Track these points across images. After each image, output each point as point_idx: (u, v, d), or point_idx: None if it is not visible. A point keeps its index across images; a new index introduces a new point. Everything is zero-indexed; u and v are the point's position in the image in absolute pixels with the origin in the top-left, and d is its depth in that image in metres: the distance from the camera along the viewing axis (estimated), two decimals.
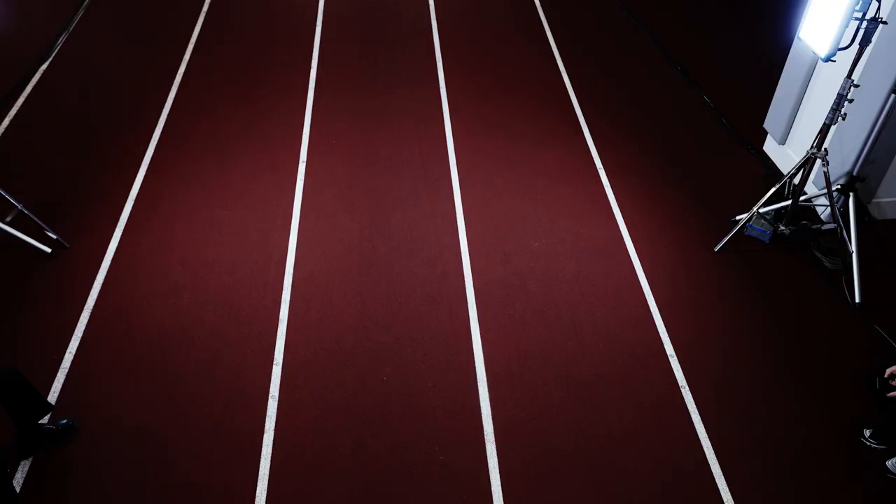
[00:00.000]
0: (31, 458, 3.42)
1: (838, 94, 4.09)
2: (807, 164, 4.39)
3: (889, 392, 3.31)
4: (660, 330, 4.16)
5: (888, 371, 3.32)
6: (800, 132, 5.18)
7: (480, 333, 4.10)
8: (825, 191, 4.38)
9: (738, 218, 4.84)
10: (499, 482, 3.41)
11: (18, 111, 5.74)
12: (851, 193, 4.50)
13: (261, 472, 3.42)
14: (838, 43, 3.77)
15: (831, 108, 4.14)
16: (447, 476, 3.43)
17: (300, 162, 5.31)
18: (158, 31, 6.84)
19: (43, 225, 4.46)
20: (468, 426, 3.64)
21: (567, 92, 6.18)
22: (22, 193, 4.61)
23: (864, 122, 4.40)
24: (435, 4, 7.40)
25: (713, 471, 3.49)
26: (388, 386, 3.82)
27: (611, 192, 5.13)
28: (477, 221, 4.84)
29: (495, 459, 3.51)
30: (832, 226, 4.56)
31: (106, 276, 4.37)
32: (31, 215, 4.42)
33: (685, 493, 3.40)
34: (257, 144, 5.47)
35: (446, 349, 4.01)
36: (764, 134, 5.59)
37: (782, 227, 4.67)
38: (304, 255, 4.55)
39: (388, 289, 4.35)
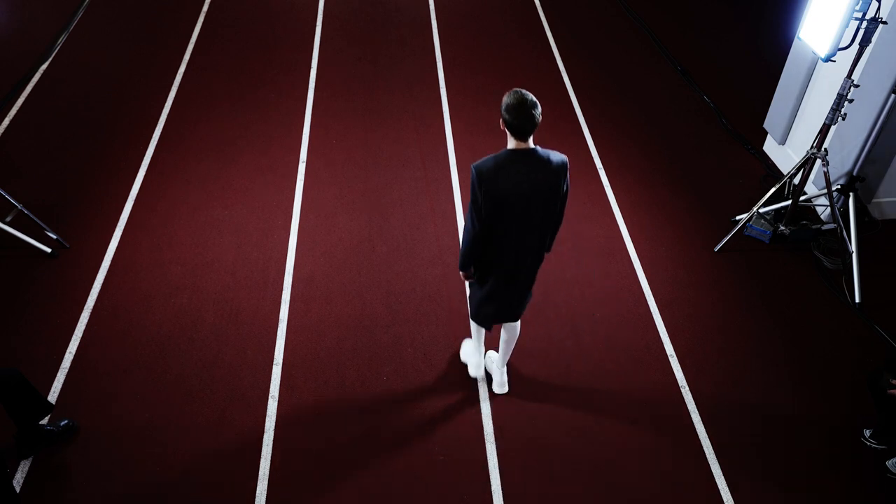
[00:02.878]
0: (31, 458, 3.42)
1: (838, 94, 4.09)
2: (807, 164, 4.40)
3: (889, 390, 3.31)
4: (660, 330, 4.16)
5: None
6: (800, 132, 5.18)
7: None
8: (825, 191, 4.39)
9: (738, 218, 4.84)
10: (499, 482, 3.41)
11: (18, 111, 5.74)
12: (851, 193, 4.50)
13: (261, 472, 3.42)
14: (838, 43, 3.78)
15: (831, 108, 4.15)
16: (447, 476, 3.43)
17: (300, 162, 5.31)
18: (158, 31, 6.84)
19: (43, 225, 4.46)
20: (468, 426, 3.64)
21: (567, 92, 6.19)
22: (22, 193, 4.62)
23: (864, 122, 4.40)
24: (435, 4, 7.40)
25: (713, 471, 3.49)
26: (388, 386, 3.82)
27: (611, 192, 5.13)
28: None
29: (495, 459, 3.51)
30: (832, 226, 4.56)
31: (106, 276, 4.37)
32: (31, 215, 4.42)
33: (685, 494, 3.40)
34: (257, 144, 5.47)
35: (446, 349, 4.01)
36: (764, 134, 5.59)
37: (782, 227, 4.67)
38: (304, 255, 4.55)
39: (388, 289, 4.35)
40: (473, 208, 3.00)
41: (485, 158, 2.95)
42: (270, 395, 3.76)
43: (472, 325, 3.66)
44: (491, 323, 3.51)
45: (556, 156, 2.99)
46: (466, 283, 3.33)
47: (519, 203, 2.97)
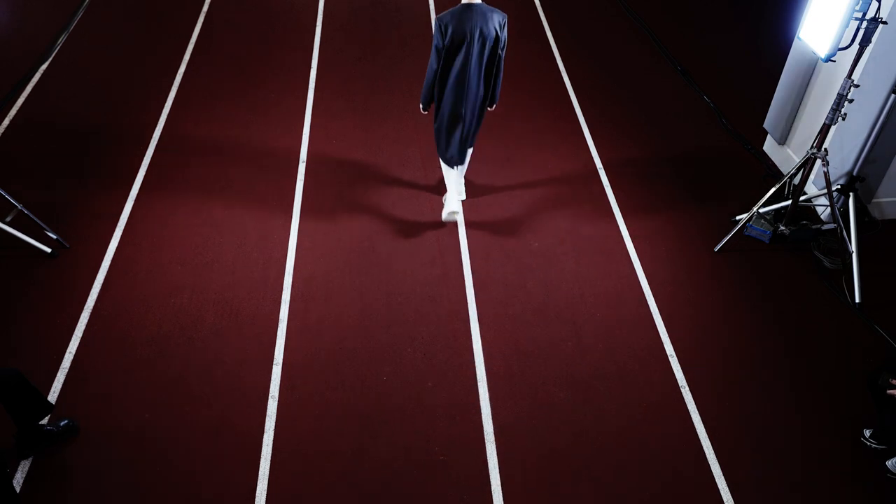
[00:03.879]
0: (31, 458, 3.42)
1: (838, 94, 4.09)
2: (807, 164, 4.40)
3: (889, 390, 3.31)
4: (660, 330, 4.16)
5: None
6: (800, 132, 5.18)
7: (480, 333, 4.10)
8: (825, 191, 4.39)
9: (738, 218, 4.84)
10: (499, 482, 3.42)
11: (19, 111, 5.74)
12: (851, 193, 4.50)
13: (261, 472, 3.42)
14: (838, 43, 3.78)
15: (831, 108, 4.15)
16: (447, 476, 3.43)
17: (300, 162, 5.31)
18: (158, 30, 6.83)
19: (43, 225, 4.46)
20: (468, 426, 3.64)
21: (567, 92, 6.19)
22: (22, 193, 4.61)
23: (864, 122, 4.40)
24: (435, 4, 7.40)
25: (713, 471, 3.49)
26: (388, 386, 3.82)
27: (611, 192, 5.13)
28: (477, 221, 4.84)
29: (495, 459, 3.51)
30: (832, 226, 4.56)
31: (106, 276, 4.37)
32: (31, 215, 4.41)
33: (685, 494, 3.41)
34: (257, 144, 5.47)
35: (446, 349, 4.01)
36: (764, 134, 5.59)
37: (782, 227, 4.67)
38: (304, 255, 4.55)
39: (388, 289, 4.35)
40: (436, 52, 4.22)
41: (444, 12, 4.12)
42: (270, 395, 3.76)
43: (443, 169, 4.75)
44: (454, 163, 4.60)
45: (499, 12, 4.17)
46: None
47: (468, 42, 4.11)
